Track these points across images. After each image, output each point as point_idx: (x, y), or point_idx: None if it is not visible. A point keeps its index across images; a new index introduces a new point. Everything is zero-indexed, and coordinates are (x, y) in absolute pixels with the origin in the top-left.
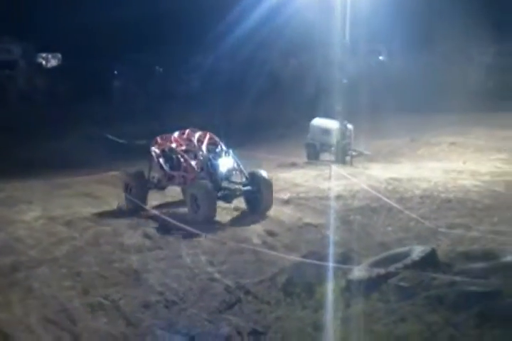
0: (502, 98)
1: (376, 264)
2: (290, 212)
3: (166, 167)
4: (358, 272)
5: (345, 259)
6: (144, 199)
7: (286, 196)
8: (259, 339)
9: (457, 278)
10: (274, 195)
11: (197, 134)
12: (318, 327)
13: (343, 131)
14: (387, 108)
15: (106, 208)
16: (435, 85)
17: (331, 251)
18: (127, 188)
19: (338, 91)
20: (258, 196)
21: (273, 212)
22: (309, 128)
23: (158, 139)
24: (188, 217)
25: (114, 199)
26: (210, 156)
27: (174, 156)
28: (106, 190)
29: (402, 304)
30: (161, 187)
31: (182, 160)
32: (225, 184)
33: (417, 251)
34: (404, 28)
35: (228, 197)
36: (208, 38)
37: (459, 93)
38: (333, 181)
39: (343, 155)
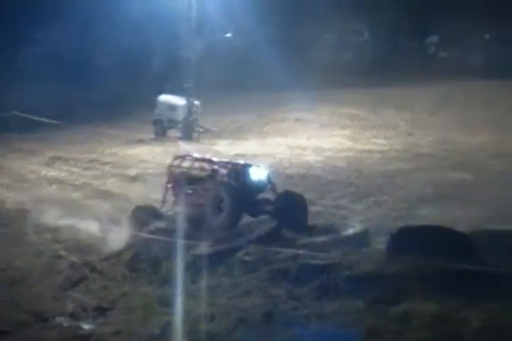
0: (347, 74)
1: (222, 239)
2: (137, 189)
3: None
4: (204, 247)
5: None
6: None
7: (133, 172)
8: (104, 315)
9: (300, 252)
10: (123, 171)
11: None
12: (163, 302)
13: (190, 108)
14: (235, 85)
15: None
16: (283, 62)
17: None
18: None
19: (185, 69)
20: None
21: (119, 189)
22: (156, 105)
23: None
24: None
25: None
26: (240, 163)
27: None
28: None
29: (247, 278)
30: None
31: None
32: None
33: (262, 226)
34: (254, 5)
35: (255, 212)
36: (54, 15)
37: (305, 69)
38: None
39: (190, 132)
